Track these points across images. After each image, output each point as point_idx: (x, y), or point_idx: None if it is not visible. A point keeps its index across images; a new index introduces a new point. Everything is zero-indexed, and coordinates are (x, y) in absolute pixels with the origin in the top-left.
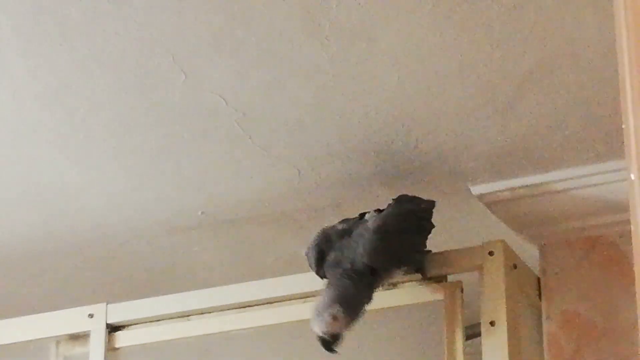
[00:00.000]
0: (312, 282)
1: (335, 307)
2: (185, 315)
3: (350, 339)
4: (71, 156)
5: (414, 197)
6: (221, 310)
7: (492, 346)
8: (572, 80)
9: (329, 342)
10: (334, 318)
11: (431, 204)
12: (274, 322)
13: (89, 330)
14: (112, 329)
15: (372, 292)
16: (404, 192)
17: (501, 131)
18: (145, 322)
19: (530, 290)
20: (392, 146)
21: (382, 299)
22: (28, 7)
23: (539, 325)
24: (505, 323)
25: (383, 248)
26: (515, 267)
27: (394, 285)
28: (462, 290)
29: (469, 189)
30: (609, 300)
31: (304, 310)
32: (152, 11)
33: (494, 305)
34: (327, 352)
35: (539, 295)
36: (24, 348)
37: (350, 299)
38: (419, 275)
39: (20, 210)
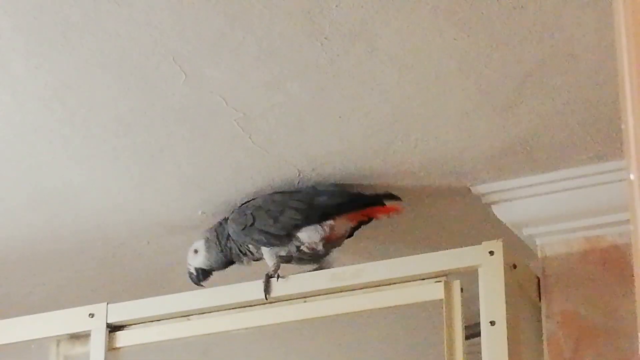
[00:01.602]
0: (312, 282)
1: (197, 243)
2: (185, 315)
3: (350, 338)
4: (72, 156)
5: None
6: (221, 310)
7: (492, 345)
8: (571, 80)
9: (195, 276)
10: (195, 251)
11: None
12: (274, 322)
13: (90, 330)
14: (113, 328)
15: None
16: (404, 193)
17: (501, 131)
18: (146, 322)
19: (529, 290)
20: (392, 146)
21: (381, 298)
22: (29, 8)
23: (539, 324)
24: (505, 322)
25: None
26: (515, 267)
27: (394, 284)
28: (462, 290)
29: (469, 189)
30: (608, 300)
31: (304, 310)
32: (152, 12)
33: (494, 305)
34: (324, 351)
35: (539, 295)
36: (24, 348)
37: (211, 242)
38: (418, 275)
39: (21, 210)
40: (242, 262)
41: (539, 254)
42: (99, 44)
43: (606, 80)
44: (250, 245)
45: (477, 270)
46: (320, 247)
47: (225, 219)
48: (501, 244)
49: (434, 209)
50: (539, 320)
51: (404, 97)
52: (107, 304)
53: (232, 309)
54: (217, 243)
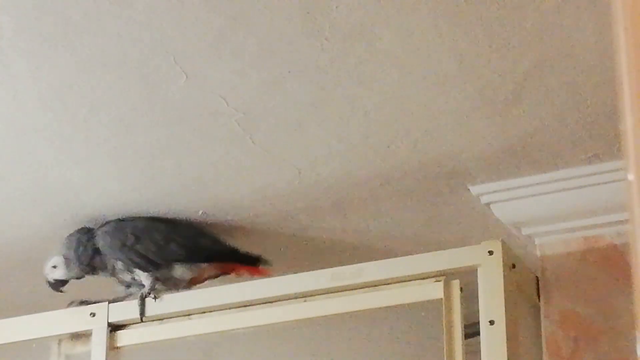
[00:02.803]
0: (312, 282)
1: (54, 259)
2: (186, 314)
3: (350, 337)
4: (72, 156)
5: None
6: (222, 309)
7: (491, 345)
8: (570, 81)
9: (53, 285)
10: (53, 267)
11: None
12: (274, 321)
13: (91, 329)
14: (114, 328)
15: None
16: (404, 192)
17: (500, 131)
18: (147, 321)
19: (529, 289)
20: (392, 146)
21: (381, 298)
22: (30, 8)
23: (538, 324)
24: (504, 322)
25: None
26: (514, 266)
27: (393, 283)
28: (461, 290)
29: (469, 189)
30: (607, 300)
31: (304, 310)
32: (153, 12)
33: (493, 305)
34: (324, 351)
35: (538, 294)
36: (26, 347)
37: (71, 258)
38: (417, 274)
39: (22, 209)
40: (100, 275)
41: (538, 254)
42: (100, 44)
43: (605, 80)
44: (119, 262)
45: (476, 269)
46: (184, 285)
47: (89, 230)
48: (500, 243)
49: (434, 209)
50: (538, 320)
51: (404, 97)
52: (108, 303)
53: (233, 308)
54: (77, 259)
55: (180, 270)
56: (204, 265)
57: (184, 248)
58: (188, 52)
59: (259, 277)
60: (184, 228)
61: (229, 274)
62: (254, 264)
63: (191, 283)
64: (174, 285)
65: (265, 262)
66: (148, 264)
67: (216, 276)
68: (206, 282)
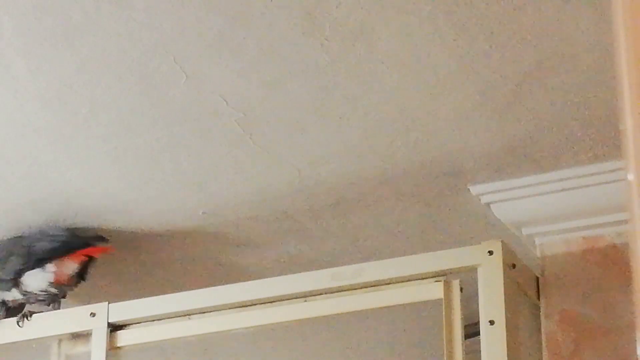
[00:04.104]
0: (312, 282)
1: None
2: (186, 314)
3: (350, 337)
4: (72, 156)
5: None
6: (222, 310)
7: (491, 345)
8: (570, 81)
9: None
10: None
11: None
12: (274, 321)
13: (91, 329)
14: (114, 328)
15: None
16: (404, 192)
17: (500, 131)
18: (147, 321)
19: (529, 289)
20: (392, 146)
21: (381, 298)
22: (30, 8)
23: (538, 324)
24: (505, 322)
25: None
26: (514, 266)
27: (393, 283)
28: (461, 290)
29: (469, 189)
30: (607, 300)
31: (304, 310)
32: (153, 12)
33: (493, 305)
34: (324, 351)
35: (538, 294)
36: (26, 347)
37: None
38: (417, 274)
39: (21, 209)
40: None
41: (538, 254)
42: (100, 44)
43: (605, 80)
44: None
45: (476, 269)
46: (52, 289)
47: None
48: (500, 243)
49: (434, 209)
50: (538, 320)
51: (403, 97)
52: (108, 303)
53: (233, 308)
54: None
55: (29, 280)
56: (51, 266)
57: (21, 257)
58: (188, 52)
59: (106, 252)
60: (24, 239)
61: (86, 262)
62: (92, 245)
63: (59, 286)
64: (46, 297)
65: (103, 240)
66: (1, 282)
67: (80, 270)
68: (78, 280)
